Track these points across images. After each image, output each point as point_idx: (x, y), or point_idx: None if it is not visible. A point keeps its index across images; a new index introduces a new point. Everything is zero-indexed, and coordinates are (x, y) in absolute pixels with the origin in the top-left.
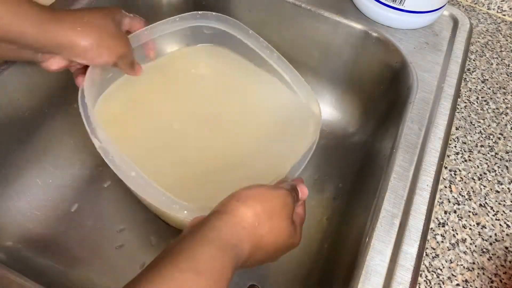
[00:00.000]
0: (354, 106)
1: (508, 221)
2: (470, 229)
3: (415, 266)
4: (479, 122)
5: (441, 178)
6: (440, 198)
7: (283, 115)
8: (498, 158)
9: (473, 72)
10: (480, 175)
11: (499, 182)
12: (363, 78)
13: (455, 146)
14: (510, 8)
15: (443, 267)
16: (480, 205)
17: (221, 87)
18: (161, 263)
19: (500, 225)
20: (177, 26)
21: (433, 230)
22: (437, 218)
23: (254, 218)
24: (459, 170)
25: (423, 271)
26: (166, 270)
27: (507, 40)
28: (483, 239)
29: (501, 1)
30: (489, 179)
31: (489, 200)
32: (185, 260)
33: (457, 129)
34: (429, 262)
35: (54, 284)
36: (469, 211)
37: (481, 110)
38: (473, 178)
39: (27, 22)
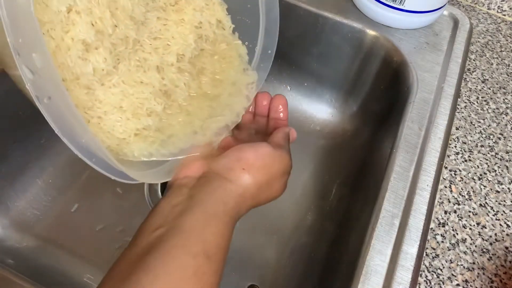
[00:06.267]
0: (354, 106)
1: (508, 221)
2: (470, 229)
3: (415, 266)
4: (479, 122)
5: (441, 178)
6: (440, 198)
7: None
8: (498, 158)
9: (473, 72)
10: (480, 175)
11: (499, 182)
12: (363, 78)
13: (455, 146)
14: (510, 8)
15: (443, 267)
16: (480, 205)
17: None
18: (169, 243)
19: (500, 225)
20: None
21: (433, 230)
22: (437, 218)
23: (256, 189)
24: (459, 170)
25: (423, 271)
26: (177, 253)
27: (507, 40)
28: (483, 239)
29: (501, 1)
30: (489, 179)
31: (489, 200)
32: (196, 243)
33: (457, 129)
34: (429, 262)
35: (54, 284)
36: (469, 211)
37: (481, 110)
38: (473, 178)
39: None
